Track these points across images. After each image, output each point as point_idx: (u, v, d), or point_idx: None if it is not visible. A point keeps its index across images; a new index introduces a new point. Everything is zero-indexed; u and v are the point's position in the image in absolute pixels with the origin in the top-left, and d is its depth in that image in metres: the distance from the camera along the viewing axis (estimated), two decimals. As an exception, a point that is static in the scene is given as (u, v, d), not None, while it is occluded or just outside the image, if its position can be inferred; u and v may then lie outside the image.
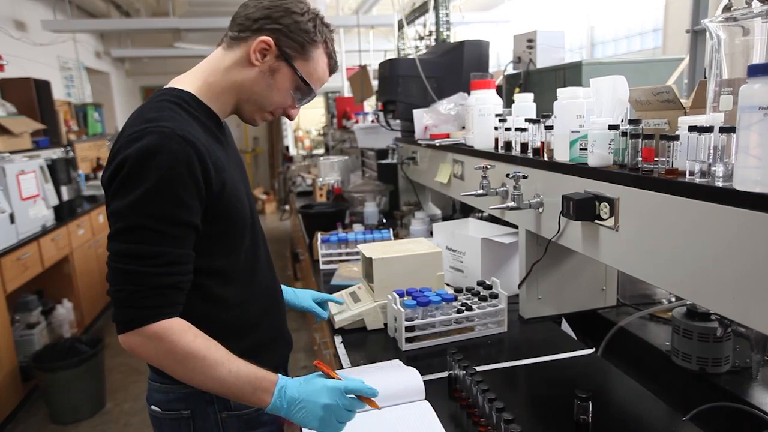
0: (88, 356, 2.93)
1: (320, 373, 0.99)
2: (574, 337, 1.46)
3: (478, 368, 1.19)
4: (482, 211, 2.43)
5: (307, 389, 0.95)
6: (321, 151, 5.73)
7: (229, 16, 1.07)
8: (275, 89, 1.04)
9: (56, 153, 4.41)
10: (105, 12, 6.87)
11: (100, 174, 5.45)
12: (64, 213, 3.88)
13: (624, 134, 1.06)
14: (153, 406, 1.09)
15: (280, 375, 0.97)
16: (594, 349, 1.36)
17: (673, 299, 1.59)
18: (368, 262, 1.58)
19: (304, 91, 1.07)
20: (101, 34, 7.47)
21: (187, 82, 1.04)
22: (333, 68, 1.11)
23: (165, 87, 1.04)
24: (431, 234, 2.35)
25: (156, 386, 1.08)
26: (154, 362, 0.94)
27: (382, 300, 1.52)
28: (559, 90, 1.28)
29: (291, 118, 1.13)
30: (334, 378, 0.98)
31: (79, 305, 3.92)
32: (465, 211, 2.69)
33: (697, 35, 1.46)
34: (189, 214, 0.92)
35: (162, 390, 1.07)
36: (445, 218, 2.71)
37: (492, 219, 2.15)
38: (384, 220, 2.74)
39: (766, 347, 1.04)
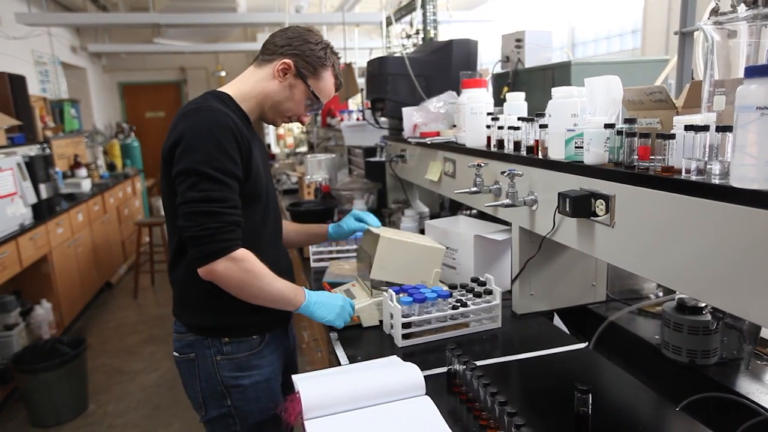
0: (71, 357, 2.87)
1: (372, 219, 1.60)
2: (567, 332, 1.49)
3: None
4: (470, 209, 2.45)
5: (324, 295, 1.40)
6: (304, 149, 5.70)
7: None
8: (292, 100, 1.35)
9: (32, 150, 4.30)
10: (81, 6, 6.70)
11: (78, 171, 5.33)
12: (43, 211, 3.78)
13: (620, 133, 1.09)
14: (174, 352, 1.39)
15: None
16: (587, 344, 1.39)
17: (661, 294, 1.63)
18: (373, 241, 1.57)
19: (314, 102, 1.38)
20: (77, 29, 7.29)
21: (227, 88, 1.35)
22: (338, 87, 1.42)
23: (210, 90, 1.34)
24: (421, 231, 2.36)
25: (175, 336, 1.38)
26: (236, 282, 1.20)
27: (378, 295, 1.53)
28: (553, 89, 1.30)
29: (303, 124, 1.47)
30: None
31: (58, 305, 3.83)
32: (453, 208, 2.71)
33: (685, 37, 1.50)
34: (237, 168, 1.20)
35: (178, 339, 1.37)
36: (432, 216, 2.72)
37: (481, 216, 2.17)
38: (372, 218, 2.75)
39: (757, 338, 1.08)
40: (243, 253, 1.20)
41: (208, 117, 1.19)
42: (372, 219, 1.68)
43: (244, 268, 1.19)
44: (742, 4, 1.06)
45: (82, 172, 5.34)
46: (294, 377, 1.21)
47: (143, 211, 6.97)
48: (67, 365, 2.86)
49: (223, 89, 1.33)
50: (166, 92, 9.04)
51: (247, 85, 1.33)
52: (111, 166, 6.53)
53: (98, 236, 4.87)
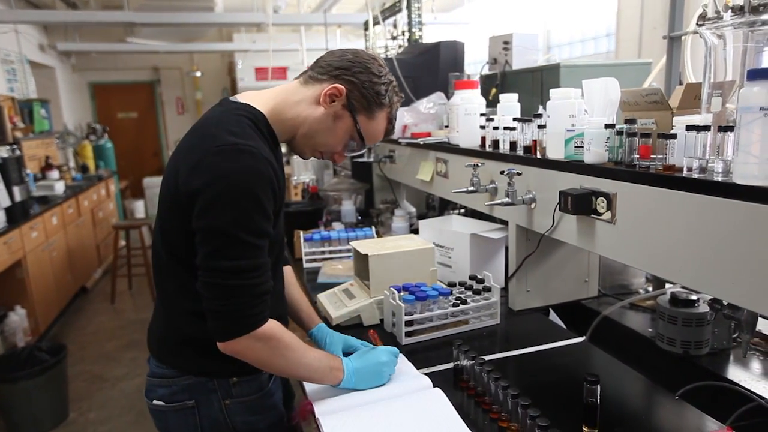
0: (51, 364, 2.79)
1: (366, 344, 1.29)
2: (564, 327, 1.54)
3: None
4: (456, 208, 2.49)
5: (365, 357, 1.18)
6: (283, 148, 5.67)
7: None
8: (332, 133, 1.14)
9: (2, 151, 4.15)
10: (49, 3, 6.50)
11: (49, 174, 5.17)
12: (17, 215, 3.66)
13: (620, 133, 1.13)
14: (156, 401, 1.15)
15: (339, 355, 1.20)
16: (584, 337, 1.43)
17: (650, 289, 1.69)
18: (363, 259, 1.59)
19: (357, 143, 1.17)
20: (44, 26, 7.07)
21: (261, 102, 1.11)
22: (389, 132, 1.21)
23: (240, 101, 1.11)
24: (411, 231, 2.38)
25: (157, 381, 1.15)
26: (260, 360, 1.04)
27: (378, 296, 1.54)
28: (551, 90, 1.34)
29: (335, 163, 1.23)
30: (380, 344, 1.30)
31: (33, 312, 3.71)
32: (440, 208, 2.74)
33: (673, 41, 1.56)
34: (270, 224, 1.03)
35: (164, 384, 1.14)
36: (420, 216, 2.75)
37: (472, 214, 2.20)
38: (359, 218, 2.76)
39: (754, 328, 1.14)
40: (268, 330, 1.02)
41: (249, 165, 0.97)
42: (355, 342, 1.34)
43: (269, 347, 1.03)
44: (729, 11, 1.11)
45: (54, 174, 5.19)
46: (306, 386, 1.20)
47: (117, 214, 6.80)
48: (47, 373, 2.78)
49: (256, 104, 1.10)
50: (139, 93, 8.84)
51: (286, 104, 1.12)
52: (83, 168, 6.36)
53: (73, 240, 4.74)
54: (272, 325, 1.04)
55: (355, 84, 1.10)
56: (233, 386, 1.13)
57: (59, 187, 4.80)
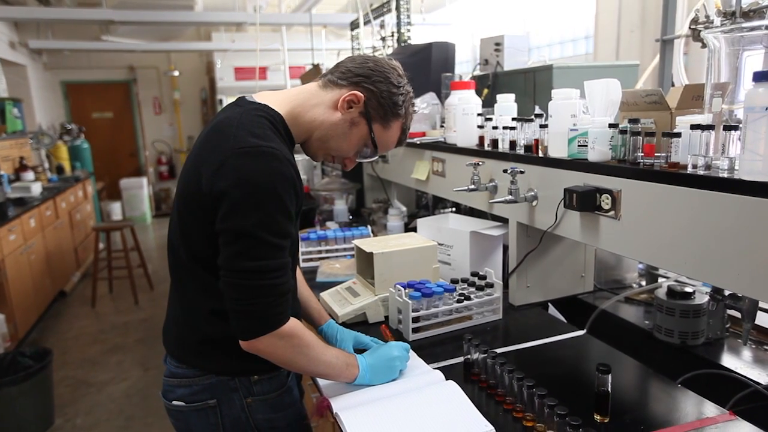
0: (36, 370, 2.72)
1: (376, 340, 1.33)
2: (564, 321, 1.58)
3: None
4: (446, 207, 2.52)
5: (378, 353, 1.22)
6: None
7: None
8: (346, 139, 1.15)
9: (-24, 152, 4.03)
10: (21, -1, 6.31)
11: (24, 175, 5.03)
12: (-6, 217, 3.56)
13: (623, 132, 1.18)
14: (175, 402, 1.15)
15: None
16: (585, 331, 1.48)
17: (643, 283, 1.75)
18: (366, 257, 1.61)
19: (370, 150, 1.19)
20: (15, 23, 6.86)
21: (279, 104, 1.12)
22: (401, 142, 1.23)
23: (258, 102, 1.11)
24: (413, 230, 2.41)
25: (177, 381, 1.15)
26: (282, 358, 1.06)
27: (383, 293, 1.56)
28: (553, 91, 1.38)
29: (346, 169, 1.25)
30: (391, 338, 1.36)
31: (12, 317, 3.61)
32: (432, 207, 2.77)
33: (665, 44, 1.62)
34: (293, 225, 1.05)
35: (184, 384, 1.14)
36: (411, 215, 2.78)
37: (467, 212, 2.24)
38: (350, 218, 2.78)
39: (755, 317, 1.19)
40: (290, 329, 1.04)
41: (272, 167, 0.98)
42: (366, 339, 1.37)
43: (291, 344, 1.05)
44: (722, 16, 1.17)
45: (29, 175, 5.06)
46: (320, 383, 1.21)
47: (95, 216, 6.65)
48: (32, 378, 2.71)
49: (274, 105, 1.11)
50: (114, 92, 8.65)
51: (304, 107, 1.13)
52: (59, 169, 6.20)
53: (51, 243, 4.62)
54: (294, 324, 1.05)
55: (373, 92, 1.12)
56: (254, 384, 1.13)
57: (36, 189, 4.68)
